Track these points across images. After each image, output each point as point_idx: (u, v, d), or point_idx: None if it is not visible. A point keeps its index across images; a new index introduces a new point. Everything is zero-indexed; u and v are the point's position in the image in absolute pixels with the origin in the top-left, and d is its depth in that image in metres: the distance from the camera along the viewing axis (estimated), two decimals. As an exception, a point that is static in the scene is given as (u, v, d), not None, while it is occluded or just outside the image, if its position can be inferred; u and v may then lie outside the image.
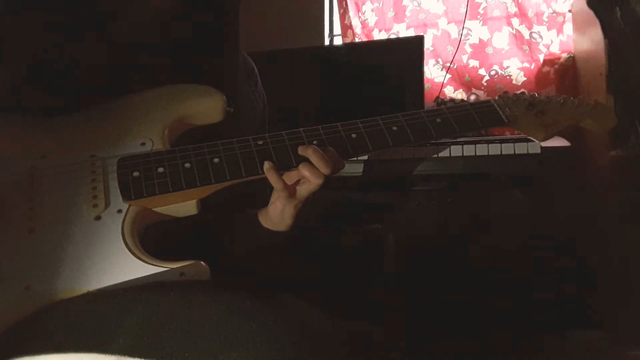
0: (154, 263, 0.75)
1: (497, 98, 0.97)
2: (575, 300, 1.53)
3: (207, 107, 0.89)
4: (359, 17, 2.43)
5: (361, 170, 1.65)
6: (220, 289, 0.68)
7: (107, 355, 0.59)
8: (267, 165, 0.84)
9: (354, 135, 0.88)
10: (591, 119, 0.95)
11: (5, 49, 0.89)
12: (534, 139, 0.97)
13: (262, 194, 0.95)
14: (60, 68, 0.88)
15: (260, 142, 0.85)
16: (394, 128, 0.89)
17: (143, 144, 0.84)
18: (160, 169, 0.81)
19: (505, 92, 0.98)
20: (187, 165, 0.82)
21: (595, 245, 1.61)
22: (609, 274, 1.57)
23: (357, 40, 2.41)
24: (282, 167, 0.85)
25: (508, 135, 1.85)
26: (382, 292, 1.62)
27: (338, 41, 2.46)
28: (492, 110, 0.95)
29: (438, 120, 0.91)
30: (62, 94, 0.88)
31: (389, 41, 2.29)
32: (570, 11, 2.11)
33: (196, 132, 0.89)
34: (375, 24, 2.39)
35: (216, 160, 0.83)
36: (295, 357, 0.57)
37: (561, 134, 0.95)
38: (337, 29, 2.48)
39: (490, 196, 1.65)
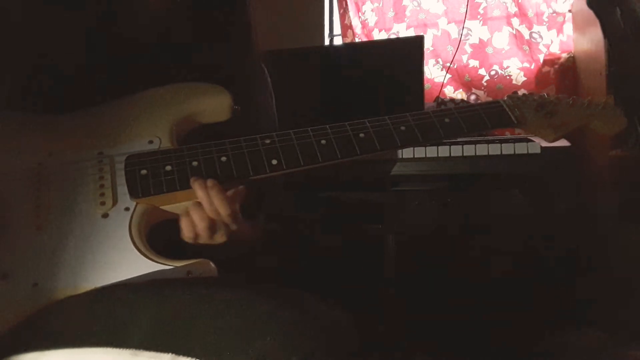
0: (161, 261, 0.75)
1: (506, 99, 0.95)
2: (574, 300, 1.54)
3: (213, 105, 0.89)
4: (359, 17, 2.43)
5: (361, 170, 1.65)
6: (234, 286, 0.68)
7: (121, 349, 0.59)
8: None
9: (362, 135, 0.87)
10: (600, 120, 0.93)
11: (9, 49, 0.88)
12: (543, 140, 0.95)
13: (271, 193, 0.95)
14: (63, 67, 0.88)
15: (267, 141, 0.85)
16: (402, 128, 0.88)
17: (151, 142, 0.84)
18: (168, 167, 0.81)
19: (515, 93, 0.96)
20: (195, 163, 0.82)
21: (595, 245, 1.61)
22: (608, 273, 1.58)
23: (357, 40, 2.41)
24: (289, 166, 0.84)
25: (508, 135, 1.86)
26: (382, 292, 1.62)
27: (338, 41, 2.46)
28: (501, 111, 0.93)
29: (446, 120, 0.90)
30: (64, 93, 0.88)
31: (389, 41, 2.29)
32: (570, 11, 2.12)
33: (205, 132, 0.89)
34: (375, 24, 2.39)
35: (224, 158, 0.83)
36: (311, 353, 0.57)
37: (568, 135, 0.94)
38: (337, 29, 2.48)
39: (490, 196, 1.65)
